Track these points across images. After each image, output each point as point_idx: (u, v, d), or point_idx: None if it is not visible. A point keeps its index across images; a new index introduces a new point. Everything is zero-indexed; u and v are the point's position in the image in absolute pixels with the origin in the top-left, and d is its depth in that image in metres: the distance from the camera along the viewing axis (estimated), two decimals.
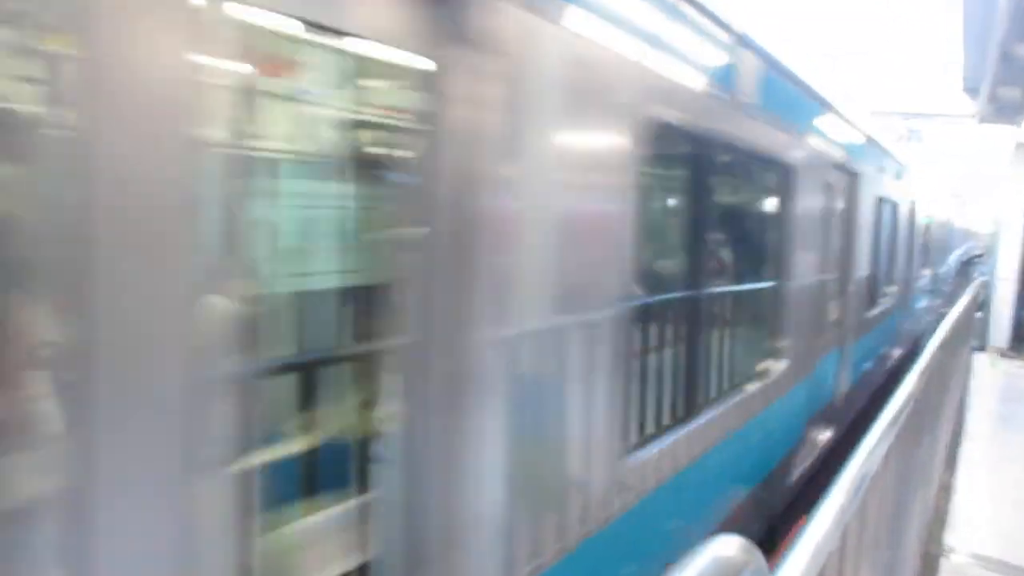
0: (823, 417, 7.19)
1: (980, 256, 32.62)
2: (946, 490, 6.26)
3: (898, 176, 11.07)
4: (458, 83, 2.27)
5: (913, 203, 13.22)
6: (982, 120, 17.68)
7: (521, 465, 2.66)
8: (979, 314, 14.95)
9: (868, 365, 9.72)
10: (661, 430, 3.95)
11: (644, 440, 3.73)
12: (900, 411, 3.15)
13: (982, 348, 15.04)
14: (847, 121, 7.43)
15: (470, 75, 2.30)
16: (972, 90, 15.48)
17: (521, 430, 2.66)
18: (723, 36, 4.20)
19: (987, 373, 12.64)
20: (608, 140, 3.14)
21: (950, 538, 5.37)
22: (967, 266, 36.91)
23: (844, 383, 8.05)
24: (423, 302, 2.28)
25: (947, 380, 6.35)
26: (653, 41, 3.41)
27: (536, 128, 2.65)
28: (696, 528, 4.12)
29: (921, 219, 15.23)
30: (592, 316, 3.07)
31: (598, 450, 3.13)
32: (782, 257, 5.62)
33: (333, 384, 2.95)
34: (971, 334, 13.12)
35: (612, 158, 3.16)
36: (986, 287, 16.14)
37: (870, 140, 8.73)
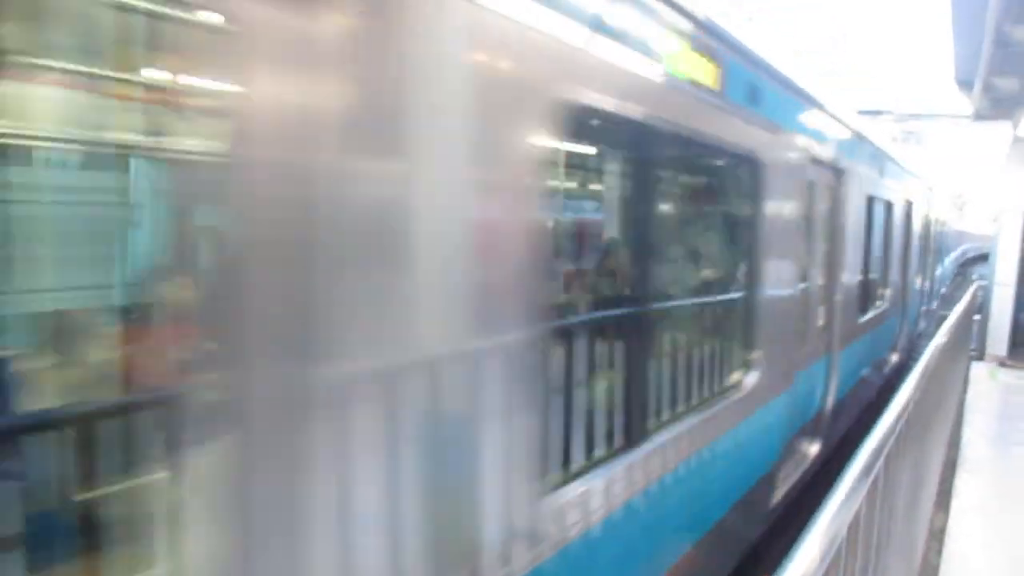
0: (808, 430, 6.71)
1: (981, 257, 31.87)
2: (938, 538, 5.34)
3: (891, 173, 10.03)
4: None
5: (909, 203, 11.95)
6: (977, 117, 16.83)
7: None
8: (977, 316, 14.13)
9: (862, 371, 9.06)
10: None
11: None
12: (872, 461, 2.71)
13: (980, 356, 14.19)
14: (830, 114, 6.78)
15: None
16: (965, 83, 14.61)
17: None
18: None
19: (986, 386, 11.73)
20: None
21: None
22: (965, 267, 36.26)
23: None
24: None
25: (940, 398, 5.61)
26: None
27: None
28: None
29: (918, 220, 13.53)
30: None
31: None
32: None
33: None
34: (969, 340, 12.27)
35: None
36: (984, 291, 15.32)
37: (853, 132, 7.74)
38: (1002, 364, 13.76)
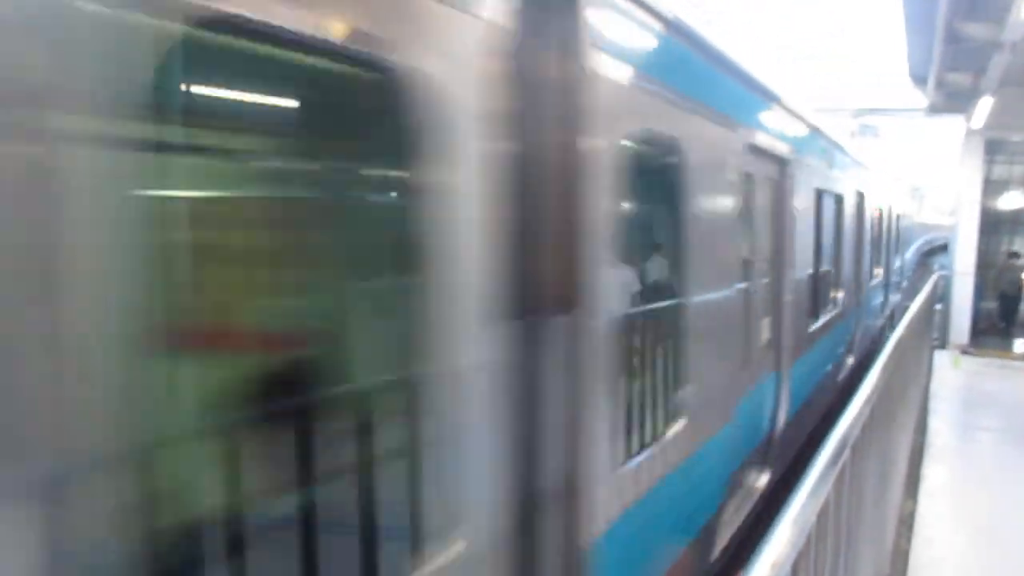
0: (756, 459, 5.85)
1: (941, 247, 32.52)
2: (907, 523, 5.46)
3: (840, 164, 9.23)
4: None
5: (862, 195, 11.19)
6: (932, 111, 17.20)
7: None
8: (939, 306, 14.47)
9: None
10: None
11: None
12: (839, 449, 2.73)
13: (943, 345, 14.50)
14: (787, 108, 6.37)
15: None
16: (919, 78, 14.93)
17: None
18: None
19: (949, 373, 12.00)
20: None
21: None
22: (927, 257, 37.01)
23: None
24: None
25: (905, 388, 5.70)
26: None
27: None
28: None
29: (871, 212, 12.50)
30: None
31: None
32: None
33: None
34: (931, 329, 12.55)
35: None
36: (945, 280, 15.66)
37: (804, 124, 7.01)
38: (964, 352, 14.08)
